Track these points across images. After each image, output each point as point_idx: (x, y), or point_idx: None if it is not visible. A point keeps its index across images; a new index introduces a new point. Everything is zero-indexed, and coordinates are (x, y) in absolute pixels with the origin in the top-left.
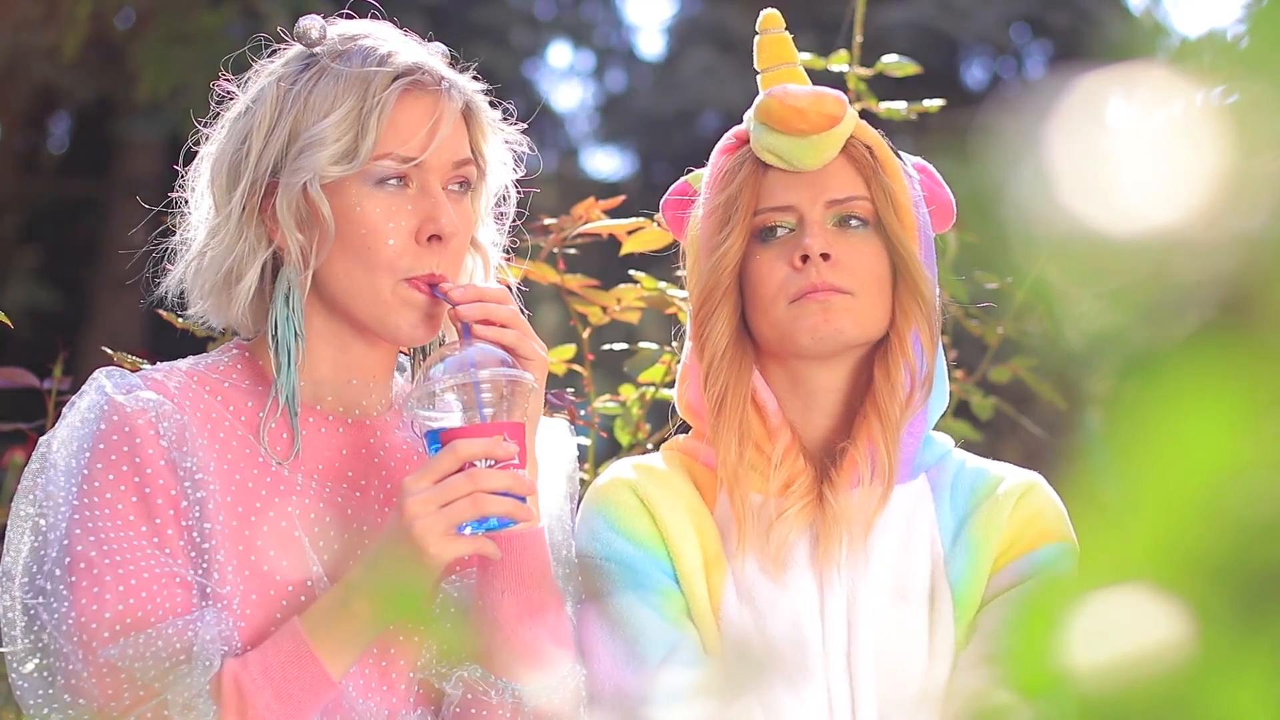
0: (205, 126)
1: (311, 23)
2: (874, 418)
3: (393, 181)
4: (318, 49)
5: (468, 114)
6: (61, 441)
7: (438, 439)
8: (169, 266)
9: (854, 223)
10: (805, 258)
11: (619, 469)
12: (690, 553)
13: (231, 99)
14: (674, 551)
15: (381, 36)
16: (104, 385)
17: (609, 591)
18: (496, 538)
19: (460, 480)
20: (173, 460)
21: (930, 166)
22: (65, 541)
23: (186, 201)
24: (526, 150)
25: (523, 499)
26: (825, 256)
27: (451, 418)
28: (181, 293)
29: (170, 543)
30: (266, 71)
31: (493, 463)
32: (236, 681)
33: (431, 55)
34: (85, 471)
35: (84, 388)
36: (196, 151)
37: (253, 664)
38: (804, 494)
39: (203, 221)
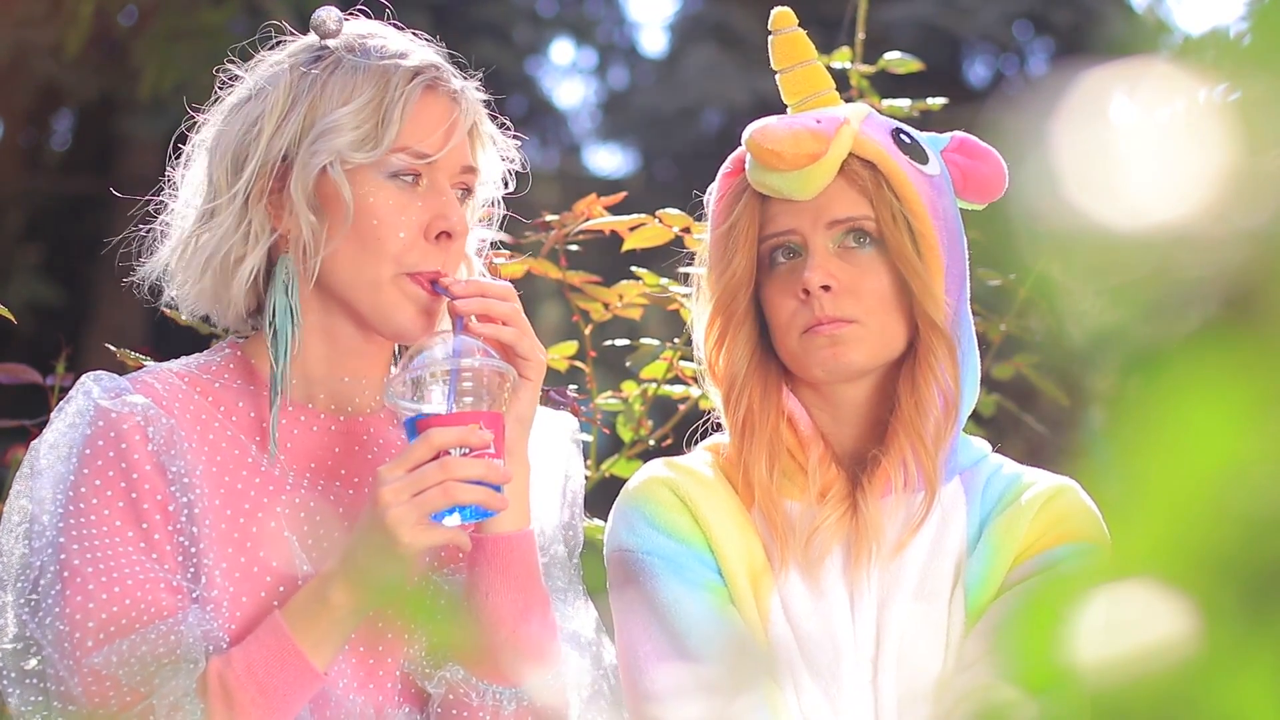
0: (202, 113)
1: (329, 13)
2: (904, 433)
3: (405, 178)
4: (330, 41)
5: (472, 125)
6: (50, 446)
7: (415, 427)
8: (142, 261)
9: (859, 242)
10: (808, 291)
11: (654, 467)
12: (734, 554)
13: (234, 83)
14: (717, 551)
15: (393, 37)
16: (91, 390)
17: (651, 584)
18: (481, 538)
19: (433, 469)
20: (161, 464)
21: (970, 137)
22: (53, 550)
23: (173, 184)
24: (519, 168)
25: (497, 488)
26: (826, 288)
27: (429, 406)
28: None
29: (159, 547)
30: (271, 60)
31: (467, 451)
32: (221, 679)
33: (438, 55)
34: (73, 478)
35: (71, 393)
36: (187, 137)
37: (237, 661)
38: (840, 502)
39: (190, 206)
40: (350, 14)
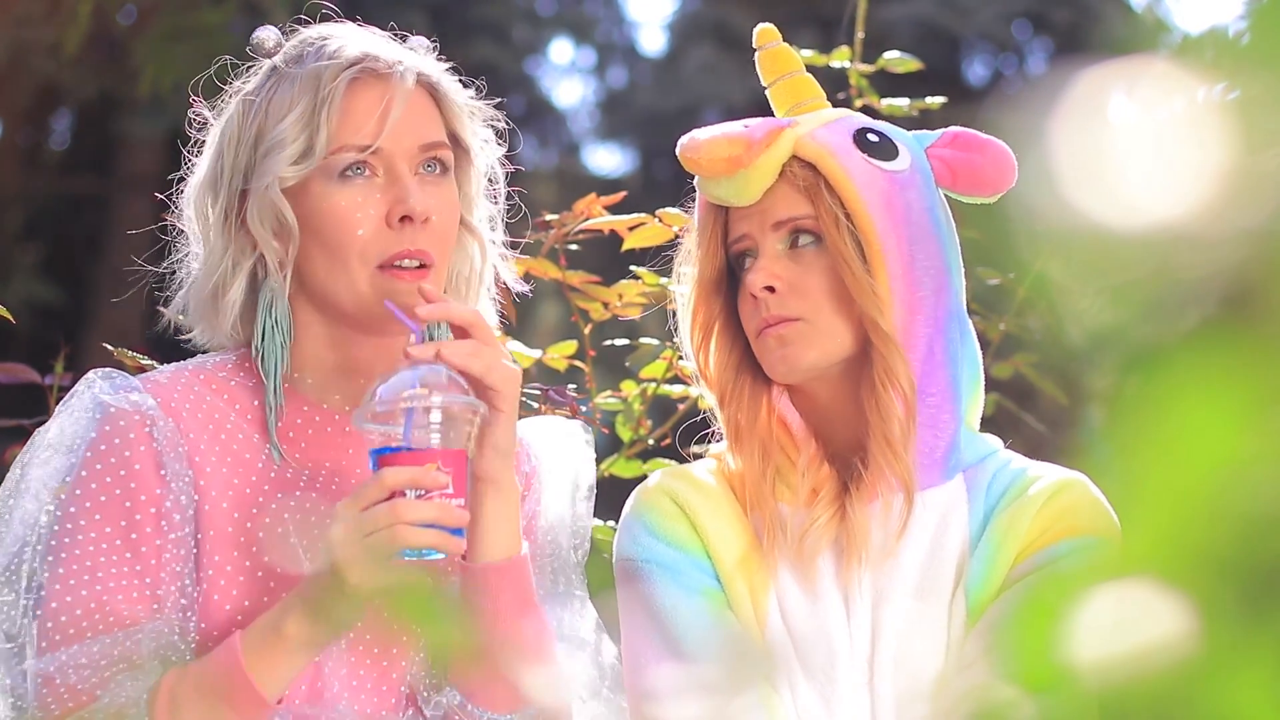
0: (194, 156)
1: (267, 33)
2: (872, 439)
3: (356, 172)
4: (275, 58)
5: (435, 95)
6: (51, 440)
7: (376, 460)
8: (164, 295)
9: (805, 241)
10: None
11: (658, 476)
12: (731, 559)
13: (208, 124)
14: (714, 557)
15: (336, 34)
16: (98, 386)
17: (650, 591)
18: (470, 566)
19: (382, 511)
20: (163, 464)
21: (968, 131)
22: (44, 554)
23: (183, 232)
24: (505, 125)
25: (458, 530)
26: (771, 289)
27: (390, 439)
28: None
29: (142, 544)
30: (239, 92)
31: (422, 492)
32: (171, 692)
33: (386, 42)
34: (69, 476)
35: (76, 387)
36: (185, 181)
37: (190, 677)
38: (830, 504)
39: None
40: (300, 17)
